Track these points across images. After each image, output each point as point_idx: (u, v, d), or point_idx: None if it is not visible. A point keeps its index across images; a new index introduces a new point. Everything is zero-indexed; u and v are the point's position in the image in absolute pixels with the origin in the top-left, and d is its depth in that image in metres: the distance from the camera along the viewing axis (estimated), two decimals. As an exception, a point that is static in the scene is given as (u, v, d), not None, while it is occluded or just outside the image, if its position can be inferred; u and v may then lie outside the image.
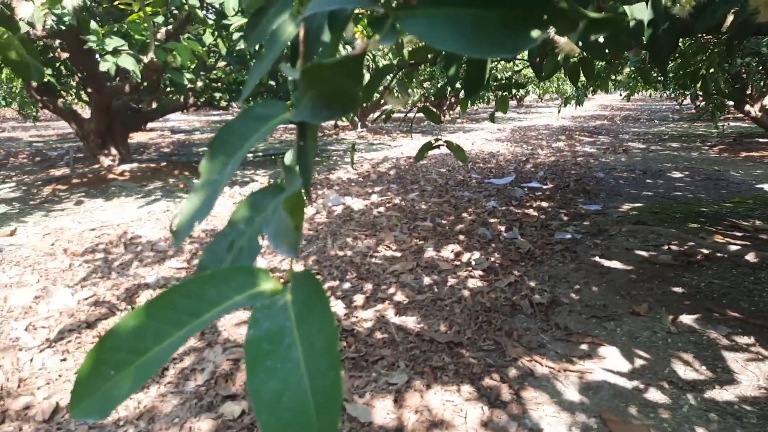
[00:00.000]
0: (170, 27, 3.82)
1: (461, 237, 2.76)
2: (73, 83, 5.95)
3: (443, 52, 1.27)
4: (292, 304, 0.30)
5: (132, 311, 0.28)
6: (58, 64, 5.00)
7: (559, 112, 6.74)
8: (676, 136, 7.65)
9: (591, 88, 7.03)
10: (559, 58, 2.31)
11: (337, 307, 1.94)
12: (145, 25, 3.06)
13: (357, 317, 1.85)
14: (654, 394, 1.38)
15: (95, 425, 1.28)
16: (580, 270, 2.28)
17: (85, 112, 7.39)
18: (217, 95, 5.11)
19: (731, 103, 5.44)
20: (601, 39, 1.19)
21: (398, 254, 2.52)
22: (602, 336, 1.70)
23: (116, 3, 3.55)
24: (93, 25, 2.88)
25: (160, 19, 3.43)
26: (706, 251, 2.42)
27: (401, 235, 2.81)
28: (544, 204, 3.49)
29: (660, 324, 1.77)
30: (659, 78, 6.59)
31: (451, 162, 5.42)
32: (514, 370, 1.51)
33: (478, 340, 1.68)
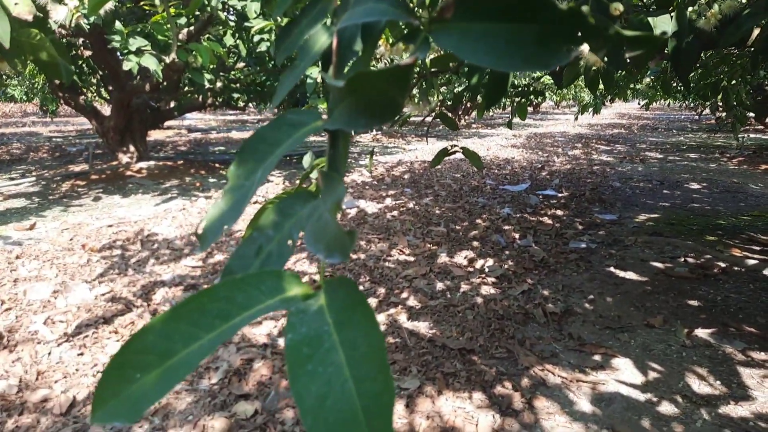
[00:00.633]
0: (192, 28, 3.87)
1: (475, 243, 2.76)
2: (94, 81, 6.04)
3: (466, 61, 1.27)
4: (327, 309, 0.30)
5: (160, 314, 0.28)
6: (80, 62, 5.08)
7: (576, 119, 6.69)
8: (695, 146, 7.57)
9: (609, 96, 6.98)
10: (580, 67, 2.30)
11: (350, 310, 1.95)
12: (168, 25, 3.10)
13: (370, 321, 1.86)
14: (667, 408, 1.37)
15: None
16: (595, 280, 2.27)
17: (105, 110, 7.50)
18: (236, 95, 5.16)
19: (752, 114, 5.37)
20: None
21: (411, 259, 2.52)
22: (616, 347, 1.69)
23: (140, 3, 3.60)
24: (117, 24, 2.93)
25: (182, 20, 3.47)
26: (723, 265, 2.40)
27: (415, 240, 2.81)
28: (559, 212, 3.48)
29: (675, 337, 1.75)
30: (679, 88, 6.53)
31: (466, 167, 5.41)
32: (526, 379, 1.51)
33: (491, 348, 1.68)
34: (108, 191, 4.28)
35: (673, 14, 1.20)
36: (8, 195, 4.11)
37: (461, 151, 2.00)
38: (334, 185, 0.39)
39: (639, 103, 11.36)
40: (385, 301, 2.03)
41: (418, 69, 1.38)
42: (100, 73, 5.36)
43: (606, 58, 1.14)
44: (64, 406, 1.33)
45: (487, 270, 2.35)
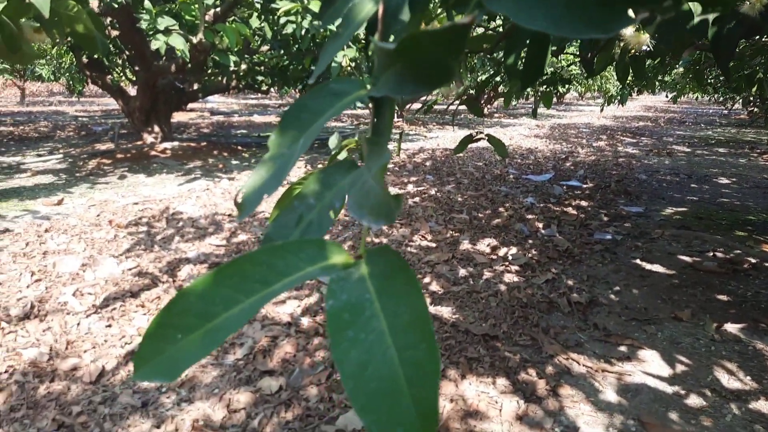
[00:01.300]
0: (219, 9, 3.87)
1: (498, 231, 2.74)
2: (120, 61, 6.10)
3: (500, 43, 1.25)
4: (369, 277, 0.30)
5: (200, 277, 0.28)
6: (108, 42, 5.13)
7: (601, 110, 6.57)
8: (724, 141, 7.39)
9: (636, 88, 6.84)
10: (614, 52, 2.25)
11: (373, 292, 1.95)
12: (196, 6, 3.10)
13: (392, 304, 1.86)
14: (695, 401, 1.35)
15: (139, 389, 1.32)
16: (620, 272, 2.23)
17: (131, 91, 7.57)
18: (259, 78, 5.17)
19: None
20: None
21: (433, 245, 2.51)
22: (642, 339, 1.67)
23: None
24: (146, 3, 2.94)
25: (209, 1, 3.48)
26: (753, 260, 2.34)
27: (437, 226, 2.80)
28: (584, 203, 3.43)
29: (703, 331, 1.72)
30: (710, 80, 6.36)
31: (488, 156, 5.36)
32: (550, 367, 1.50)
33: (514, 335, 1.67)
34: (133, 170, 4.33)
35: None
36: (36, 171, 4.19)
37: (486, 138, 1.97)
38: (379, 150, 0.38)
39: (667, 96, 11.12)
40: (407, 285, 2.02)
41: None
42: (127, 53, 5.40)
43: (656, 35, 1.11)
44: (94, 374, 1.36)
45: (510, 258, 2.33)
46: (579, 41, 1.99)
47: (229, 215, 2.93)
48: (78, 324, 1.64)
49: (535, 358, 1.54)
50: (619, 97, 8.02)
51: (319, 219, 0.37)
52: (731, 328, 1.73)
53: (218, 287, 0.29)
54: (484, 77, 6.84)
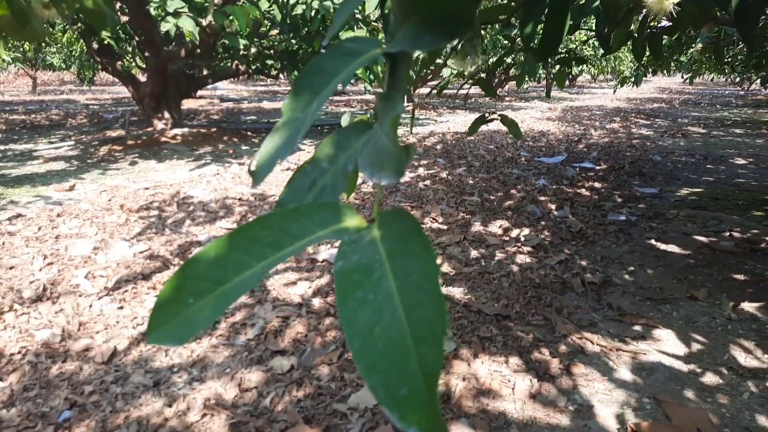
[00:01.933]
0: (226, -9, 3.84)
1: (509, 213, 2.71)
2: (130, 49, 6.10)
3: (518, 11, 1.21)
4: (381, 240, 0.29)
5: (214, 241, 0.28)
6: (117, 28, 5.12)
7: (614, 92, 6.47)
8: (740, 122, 7.25)
9: (651, 69, 6.71)
10: (632, 29, 2.19)
11: (384, 274, 1.93)
12: (203, -13, 3.08)
13: (403, 285, 1.84)
14: (712, 379, 1.33)
15: (151, 369, 1.32)
16: (635, 252, 2.20)
17: (142, 78, 7.59)
18: (269, 62, 5.14)
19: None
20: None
21: (444, 227, 2.49)
22: (657, 319, 1.64)
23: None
24: (153, -14, 2.92)
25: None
26: (772, 240, 2.29)
27: (448, 209, 2.78)
28: (597, 185, 3.38)
29: (719, 310, 1.69)
30: (728, 59, 6.22)
31: (500, 139, 5.31)
32: (563, 346, 1.48)
33: (527, 315, 1.65)
34: (144, 156, 4.34)
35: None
36: (48, 158, 4.22)
37: (499, 119, 1.94)
38: (391, 103, 0.37)
39: (682, 77, 10.93)
40: (418, 266, 2.01)
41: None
42: (137, 39, 5.39)
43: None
44: (106, 355, 1.37)
45: (522, 239, 2.31)
46: (595, 16, 1.94)
47: (240, 199, 2.93)
48: (90, 306, 1.65)
49: (548, 338, 1.52)
50: (633, 78, 7.88)
51: (333, 182, 0.36)
52: (748, 307, 1.70)
53: (230, 252, 0.29)
54: (495, 58, 6.74)
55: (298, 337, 1.48)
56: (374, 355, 0.25)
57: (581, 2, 1.63)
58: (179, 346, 0.26)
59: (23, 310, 1.60)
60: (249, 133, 5.77)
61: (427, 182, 3.37)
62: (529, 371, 1.36)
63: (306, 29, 4.55)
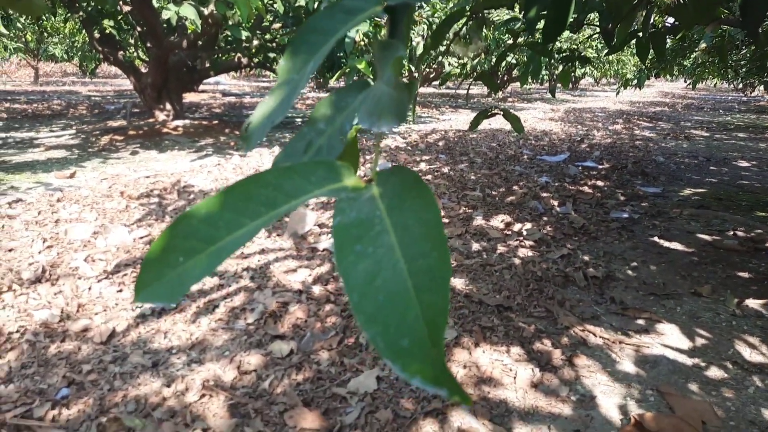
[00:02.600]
0: (231, -18, 3.82)
1: (512, 208, 2.69)
2: (132, 40, 6.07)
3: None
4: (380, 197, 0.28)
5: (205, 199, 0.26)
6: (119, 18, 5.10)
7: (617, 94, 6.47)
8: (743, 126, 7.24)
9: (654, 71, 6.70)
10: (636, 23, 2.17)
11: (385, 264, 1.92)
12: (208, -24, 3.06)
13: (405, 275, 1.83)
14: (716, 373, 1.31)
15: (149, 350, 1.31)
16: (638, 249, 2.19)
17: (143, 69, 7.57)
18: (271, 55, 5.12)
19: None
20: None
21: (446, 220, 2.47)
22: (660, 313, 1.63)
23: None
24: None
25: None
26: (775, 239, 2.28)
27: (449, 203, 2.76)
28: (600, 183, 3.37)
29: (723, 306, 1.68)
30: (731, 63, 6.21)
31: (502, 137, 5.29)
32: (565, 338, 1.47)
33: (529, 307, 1.63)
34: (145, 146, 4.33)
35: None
36: (49, 146, 4.20)
37: (501, 113, 1.92)
38: (392, 48, 0.35)
39: (685, 82, 10.92)
40: (420, 257, 2.00)
41: (469, 6, 1.31)
42: (139, 29, 5.37)
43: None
44: (104, 335, 1.35)
45: (525, 233, 2.29)
46: (599, 12, 1.93)
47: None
48: (89, 288, 1.64)
49: (550, 329, 1.51)
50: (636, 81, 7.87)
51: (330, 143, 0.35)
52: (753, 303, 1.69)
53: (222, 210, 0.28)
54: (497, 54, 6.74)
55: (298, 323, 1.46)
56: (374, 306, 0.24)
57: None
58: (168, 304, 0.25)
59: (22, 290, 1.59)
60: (251, 127, 5.74)
61: (429, 177, 3.36)
62: (531, 361, 1.34)
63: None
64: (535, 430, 1.10)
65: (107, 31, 4.87)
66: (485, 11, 1.27)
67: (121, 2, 4.49)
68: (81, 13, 4.41)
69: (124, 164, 3.61)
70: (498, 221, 2.47)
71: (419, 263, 0.25)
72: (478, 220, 2.47)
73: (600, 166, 3.94)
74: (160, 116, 5.27)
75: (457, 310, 1.58)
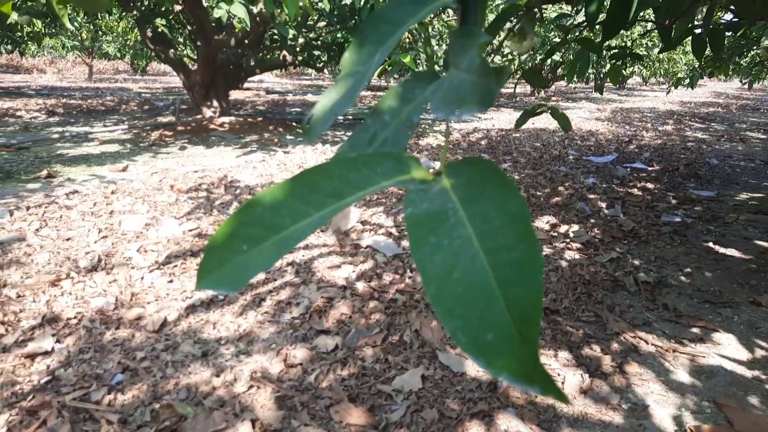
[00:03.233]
0: (279, -20, 3.87)
1: (557, 209, 2.64)
2: (181, 39, 6.25)
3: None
4: (452, 189, 0.27)
5: (271, 187, 0.26)
6: (171, 17, 5.26)
7: (667, 94, 6.24)
8: (804, 129, 6.87)
9: (708, 70, 6.43)
10: (698, 17, 2.08)
11: (428, 262, 1.91)
12: (258, -25, 3.11)
13: (448, 274, 1.82)
14: (779, 387, 1.25)
15: (199, 340, 1.34)
16: (691, 254, 2.10)
17: (192, 67, 7.77)
18: (316, 53, 5.17)
19: None
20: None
21: (490, 220, 2.44)
22: (717, 322, 1.56)
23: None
24: (210, -28, 2.97)
25: (270, -29, 3.48)
26: (842, 248, 2.16)
27: (493, 202, 2.72)
28: (650, 185, 3.26)
29: (786, 317, 1.59)
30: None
31: (546, 137, 5.19)
32: (616, 344, 1.42)
33: (577, 311, 1.59)
34: (193, 142, 4.44)
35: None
36: (103, 140, 4.36)
37: (548, 111, 1.88)
38: (471, 35, 0.34)
39: (740, 81, 10.44)
40: (463, 257, 1.98)
41: (523, 1, 1.28)
42: (189, 28, 5.52)
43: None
44: (157, 324, 1.39)
45: (571, 235, 2.24)
46: (656, 8, 1.86)
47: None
48: (142, 278, 1.69)
49: (600, 335, 1.47)
50: (688, 80, 7.57)
51: (395, 135, 0.34)
52: (818, 315, 1.60)
53: (287, 199, 0.27)
54: (542, 56, 6.62)
55: (342, 318, 1.47)
56: (452, 299, 0.23)
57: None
58: (231, 292, 0.25)
59: (79, 278, 1.65)
60: (294, 124, 5.83)
61: (472, 176, 3.32)
62: (580, 366, 1.31)
63: (353, 20, 4.56)
64: (585, 437, 1.07)
65: (159, 30, 5.02)
66: (542, 6, 1.24)
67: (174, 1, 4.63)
68: (135, 12, 4.56)
69: (173, 159, 3.71)
70: (543, 222, 2.42)
71: (502, 256, 0.24)
72: (523, 221, 2.42)
73: (650, 168, 3.81)
74: (207, 113, 5.41)
75: (502, 311, 1.55)
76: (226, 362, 1.25)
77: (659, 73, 13.10)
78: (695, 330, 1.51)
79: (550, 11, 6.79)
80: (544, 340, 1.41)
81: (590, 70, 8.13)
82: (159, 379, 1.17)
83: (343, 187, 0.28)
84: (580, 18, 2.65)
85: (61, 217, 2.23)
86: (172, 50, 5.16)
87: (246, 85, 11.70)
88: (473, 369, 1.27)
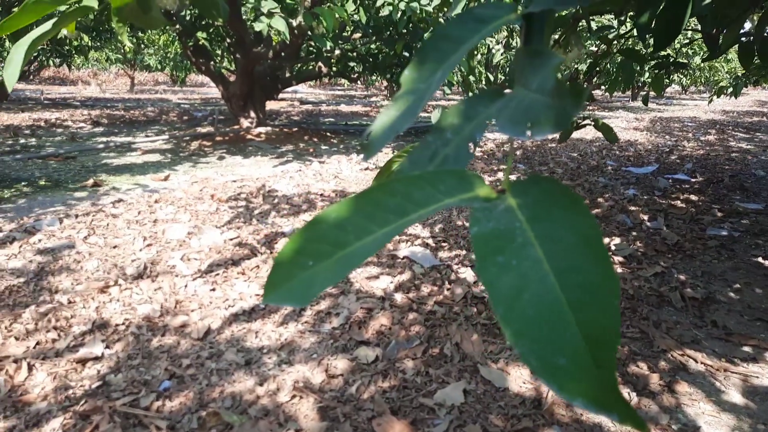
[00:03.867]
0: (316, -6, 3.94)
1: (597, 221, 2.58)
2: (219, 51, 6.41)
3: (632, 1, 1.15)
4: (519, 208, 0.27)
5: (335, 204, 0.27)
6: (211, 30, 5.41)
7: (709, 103, 6.06)
8: None
9: (754, 79, 6.23)
10: (749, 27, 2.03)
11: (466, 274, 1.90)
12: (297, -11, 3.17)
13: (487, 287, 1.80)
14: (841, 412, 1.19)
15: (243, 348, 1.36)
16: (740, 269, 2.03)
17: (231, 79, 7.95)
18: (351, 64, 5.23)
19: None
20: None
21: (528, 232, 2.41)
22: (770, 341, 1.50)
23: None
24: (251, -13, 3.05)
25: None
26: None
27: (531, 214, 2.69)
28: (693, 197, 3.16)
29: None
30: None
31: (583, 147, 5.11)
32: (663, 362, 1.38)
33: (621, 327, 1.56)
34: (231, 152, 4.54)
35: None
36: (145, 150, 4.50)
37: (592, 124, 1.84)
38: (542, 55, 0.34)
39: (787, 89, 10.06)
40: (502, 269, 1.96)
41: (569, 13, 1.27)
42: (228, 41, 5.67)
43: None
44: (201, 332, 1.42)
45: (613, 248, 2.19)
46: (701, 17, 1.81)
47: (321, 194, 2.99)
48: (185, 286, 1.73)
49: (646, 352, 1.43)
50: (731, 89, 7.34)
51: (456, 153, 0.34)
52: None
53: (352, 216, 0.28)
54: (585, 66, 6.52)
55: (382, 330, 1.47)
56: (522, 321, 0.23)
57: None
58: (298, 306, 0.25)
59: (126, 285, 1.70)
60: (328, 134, 5.90)
61: (508, 187, 3.29)
62: (626, 384, 1.28)
63: (389, 32, 4.60)
64: (634, 458, 1.04)
65: (200, 43, 5.17)
66: (589, 18, 1.23)
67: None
68: (177, 26, 4.71)
69: (212, 168, 3.80)
70: (583, 235, 2.37)
71: (573, 278, 0.24)
72: (562, 233, 2.38)
73: (693, 179, 3.70)
74: (245, 123, 5.52)
75: (544, 325, 1.53)
76: (269, 371, 1.27)
77: (699, 82, 12.75)
78: (747, 349, 1.46)
79: (596, 22, 6.71)
80: (587, 356, 1.38)
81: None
82: (204, 387, 1.19)
83: (406, 205, 0.29)
84: (623, 29, 2.60)
85: (107, 225, 2.30)
86: (211, 62, 5.30)
87: (280, 95, 11.90)
88: (516, 385, 1.25)
